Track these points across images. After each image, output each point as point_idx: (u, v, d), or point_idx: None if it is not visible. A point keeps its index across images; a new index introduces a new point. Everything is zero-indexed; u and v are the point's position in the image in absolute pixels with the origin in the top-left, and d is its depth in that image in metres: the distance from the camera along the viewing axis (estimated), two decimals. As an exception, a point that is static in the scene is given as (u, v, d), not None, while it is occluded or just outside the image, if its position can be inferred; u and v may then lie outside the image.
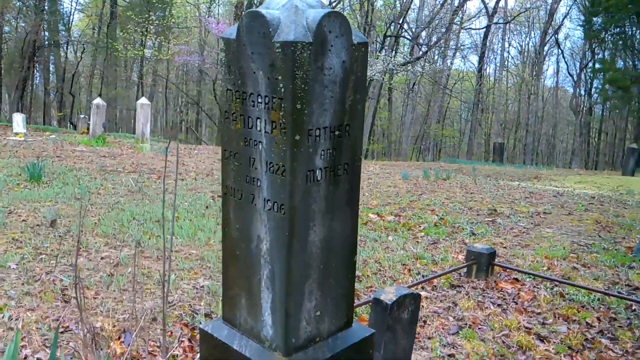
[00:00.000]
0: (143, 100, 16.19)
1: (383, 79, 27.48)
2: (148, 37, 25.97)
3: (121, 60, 31.81)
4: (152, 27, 25.46)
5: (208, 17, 28.14)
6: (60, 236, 5.04)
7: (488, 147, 37.02)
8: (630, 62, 29.25)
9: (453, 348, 3.51)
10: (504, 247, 5.67)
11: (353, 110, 1.93)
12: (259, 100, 1.81)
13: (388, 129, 37.64)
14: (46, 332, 3.22)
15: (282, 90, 1.73)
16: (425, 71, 28.06)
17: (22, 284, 3.86)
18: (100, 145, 14.55)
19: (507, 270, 4.84)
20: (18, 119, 18.66)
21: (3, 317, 3.33)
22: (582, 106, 39.33)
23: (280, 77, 1.73)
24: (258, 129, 1.84)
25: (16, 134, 17.19)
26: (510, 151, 39.31)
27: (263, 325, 1.97)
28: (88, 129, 22.84)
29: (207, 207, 6.80)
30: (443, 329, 3.77)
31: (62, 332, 3.23)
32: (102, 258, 4.50)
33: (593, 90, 39.10)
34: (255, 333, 2.01)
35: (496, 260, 4.80)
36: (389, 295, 2.63)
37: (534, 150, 40.57)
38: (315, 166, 1.84)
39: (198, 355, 2.84)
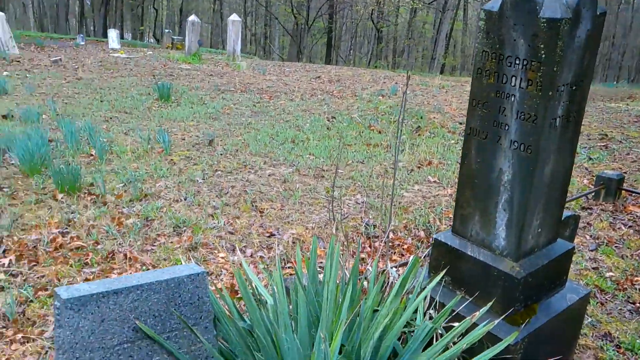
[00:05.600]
0: (234, 17, 16.51)
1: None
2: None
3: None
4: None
5: None
6: (221, 154, 5.76)
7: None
8: None
9: (595, 262, 4.01)
10: (624, 173, 5.98)
11: (587, 69, 2.34)
12: (517, 62, 2.25)
13: (463, 43, 36.55)
14: (256, 236, 3.94)
15: (543, 56, 2.15)
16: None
17: (216, 197, 4.59)
18: (197, 62, 15.20)
19: (633, 194, 5.20)
20: (113, 35, 19.47)
21: (219, 223, 4.08)
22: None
23: (542, 46, 2.15)
24: (512, 84, 2.29)
25: (113, 49, 18.07)
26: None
27: (495, 237, 2.52)
28: (172, 43, 23.54)
29: (328, 128, 7.36)
30: (582, 245, 4.26)
31: (268, 237, 3.95)
32: (269, 175, 5.18)
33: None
34: (487, 243, 2.57)
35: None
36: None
37: (619, 65, 38.62)
38: (556, 115, 2.29)
39: (427, 260, 3.44)
